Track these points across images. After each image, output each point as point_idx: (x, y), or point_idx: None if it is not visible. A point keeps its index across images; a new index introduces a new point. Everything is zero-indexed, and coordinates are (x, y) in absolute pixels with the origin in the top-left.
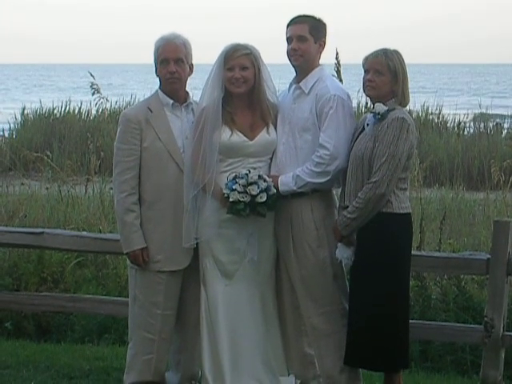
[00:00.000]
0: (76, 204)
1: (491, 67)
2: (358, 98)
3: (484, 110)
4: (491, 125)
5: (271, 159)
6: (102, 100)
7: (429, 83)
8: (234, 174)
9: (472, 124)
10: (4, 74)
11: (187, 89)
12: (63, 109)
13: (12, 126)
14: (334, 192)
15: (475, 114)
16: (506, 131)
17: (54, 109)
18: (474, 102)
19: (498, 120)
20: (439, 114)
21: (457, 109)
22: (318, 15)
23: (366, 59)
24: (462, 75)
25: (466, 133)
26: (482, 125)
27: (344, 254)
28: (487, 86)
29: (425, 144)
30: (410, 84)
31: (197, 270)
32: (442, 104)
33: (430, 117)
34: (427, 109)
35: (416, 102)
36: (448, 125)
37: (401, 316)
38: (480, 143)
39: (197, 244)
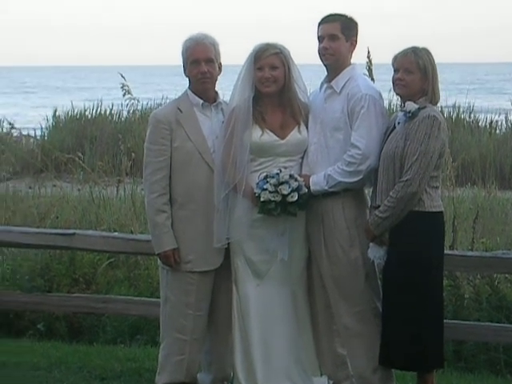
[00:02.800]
0: (107, 205)
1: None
2: (390, 97)
3: None
4: None
5: (302, 158)
6: (133, 101)
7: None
8: (265, 174)
9: (504, 123)
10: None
11: (216, 89)
12: (94, 110)
13: (43, 127)
14: (366, 191)
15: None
16: None
17: (85, 110)
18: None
19: None
20: (471, 112)
21: (488, 109)
22: (349, 14)
23: (396, 58)
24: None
25: (497, 131)
26: None
27: (376, 253)
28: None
29: (456, 143)
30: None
31: (228, 270)
32: (473, 103)
33: (462, 115)
34: (459, 107)
35: (448, 100)
36: (480, 123)
37: (435, 316)
38: None
39: (228, 244)
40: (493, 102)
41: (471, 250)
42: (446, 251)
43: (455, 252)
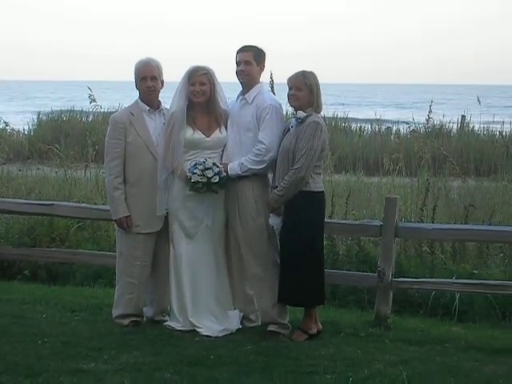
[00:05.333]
0: (77, 183)
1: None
2: (286, 107)
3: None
4: (383, 128)
5: (223, 151)
6: (97, 107)
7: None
8: (194, 162)
9: (370, 128)
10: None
11: (159, 98)
12: (68, 113)
13: (30, 125)
14: (269, 175)
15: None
16: (394, 133)
17: (61, 113)
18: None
19: (388, 125)
20: (345, 120)
21: (358, 119)
22: (259, 45)
23: (290, 79)
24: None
25: (365, 134)
26: (377, 128)
27: (275, 221)
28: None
29: (335, 141)
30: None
31: (167, 232)
32: (347, 113)
33: (339, 122)
34: (337, 116)
35: (329, 111)
36: (352, 128)
37: (318, 266)
38: (375, 141)
39: (167, 213)
40: (362, 113)
41: (345, 219)
42: (326, 220)
43: (333, 220)
